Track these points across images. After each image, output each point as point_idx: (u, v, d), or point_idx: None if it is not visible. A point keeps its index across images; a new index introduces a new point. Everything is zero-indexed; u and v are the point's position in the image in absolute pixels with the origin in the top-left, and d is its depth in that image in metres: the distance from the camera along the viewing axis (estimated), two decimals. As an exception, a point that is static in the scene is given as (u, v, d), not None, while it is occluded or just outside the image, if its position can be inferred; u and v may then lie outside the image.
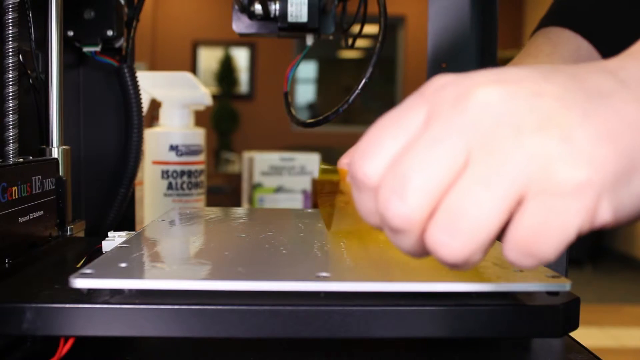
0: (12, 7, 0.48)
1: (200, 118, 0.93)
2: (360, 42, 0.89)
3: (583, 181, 0.22)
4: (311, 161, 1.06)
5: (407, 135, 0.25)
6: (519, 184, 0.23)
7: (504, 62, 0.58)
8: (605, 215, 0.23)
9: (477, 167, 0.23)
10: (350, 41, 0.66)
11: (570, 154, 0.23)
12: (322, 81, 6.50)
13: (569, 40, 0.58)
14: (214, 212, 0.58)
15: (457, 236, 0.23)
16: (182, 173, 0.79)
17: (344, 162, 0.57)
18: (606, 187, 0.23)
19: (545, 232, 0.23)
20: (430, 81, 0.26)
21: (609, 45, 0.56)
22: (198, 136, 0.81)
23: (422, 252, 0.25)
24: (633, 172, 0.23)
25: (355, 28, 0.64)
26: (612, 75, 0.25)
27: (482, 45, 0.72)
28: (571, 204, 0.22)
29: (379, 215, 0.25)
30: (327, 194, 0.59)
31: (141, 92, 0.67)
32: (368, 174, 0.25)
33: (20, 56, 0.51)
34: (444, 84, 0.25)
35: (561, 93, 0.24)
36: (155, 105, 0.87)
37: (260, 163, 1.04)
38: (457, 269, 0.24)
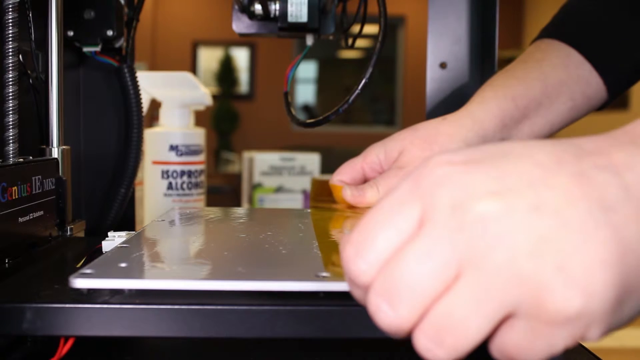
0: (12, 7, 0.48)
1: (200, 118, 0.93)
2: (360, 42, 0.90)
3: (574, 313, 0.22)
4: (311, 161, 1.06)
5: (401, 235, 0.25)
6: (507, 306, 0.23)
7: (504, 62, 0.58)
8: (593, 338, 0.24)
9: (468, 285, 0.23)
10: (350, 41, 0.66)
11: (563, 283, 0.22)
12: (322, 81, 6.51)
13: (559, 48, 0.59)
14: (214, 212, 0.58)
15: (443, 347, 0.24)
16: (182, 173, 0.79)
17: (336, 179, 0.58)
18: (599, 314, 0.23)
19: (531, 350, 0.23)
20: (426, 167, 0.26)
21: (597, 55, 0.57)
22: (198, 136, 0.81)
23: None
24: (626, 297, 0.23)
25: (355, 28, 0.64)
26: (618, 178, 0.24)
27: (482, 45, 0.72)
28: (559, 332, 0.23)
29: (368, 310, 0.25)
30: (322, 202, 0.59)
31: (141, 92, 0.67)
32: (361, 273, 0.25)
33: (20, 56, 0.51)
34: (440, 181, 0.25)
35: (561, 206, 0.23)
36: (155, 105, 0.87)
37: (260, 163, 1.04)
38: None
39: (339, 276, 0.34)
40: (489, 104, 0.55)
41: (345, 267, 0.26)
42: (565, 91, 0.57)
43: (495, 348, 0.24)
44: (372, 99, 6.31)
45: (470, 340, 0.23)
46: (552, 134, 0.59)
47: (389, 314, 0.24)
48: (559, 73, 0.57)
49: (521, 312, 0.23)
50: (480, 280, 0.23)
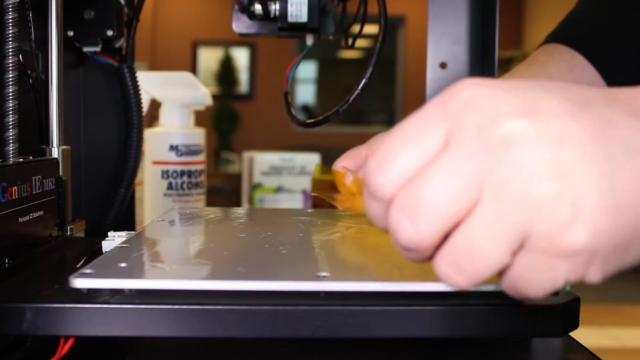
0: (12, 7, 0.48)
1: (200, 118, 0.93)
2: (360, 42, 0.90)
3: (579, 247, 0.23)
4: (311, 161, 1.06)
5: (425, 153, 0.25)
6: (521, 233, 0.23)
7: (504, 62, 0.58)
8: (593, 278, 0.24)
9: (488, 210, 0.23)
10: (350, 41, 0.66)
11: (574, 218, 0.23)
12: (322, 81, 6.50)
13: (564, 51, 0.59)
14: (214, 212, 0.58)
15: (462, 274, 0.24)
16: (182, 173, 0.79)
17: (339, 165, 0.57)
18: (601, 257, 0.23)
19: (534, 281, 0.24)
20: (454, 89, 0.26)
21: (602, 59, 0.58)
22: (198, 136, 0.81)
23: (427, 261, 0.26)
24: (632, 244, 0.24)
25: (355, 28, 0.64)
26: None
27: (482, 45, 0.72)
28: (563, 264, 0.24)
29: (387, 225, 0.26)
30: (325, 191, 0.59)
31: (141, 92, 0.67)
32: (382, 186, 0.25)
33: (20, 56, 0.51)
34: (469, 101, 0.25)
35: (585, 143, 0.23)
36: (155, 105, 0.87)
37: (260, 163, 1.04)
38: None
39: (338, 276, 0.34)
40: None
41: (366, 179, 0.26)
42: None
43: (505, 280, 0.25)
44: (372, 99, 6.30)
45: (488, 267, 0.24)
46: None
47: (410, 229, 0.24)
48: (564, 76, 0.57)
49: (532, 241, 0.23)
50: (499, 205, 0.23)
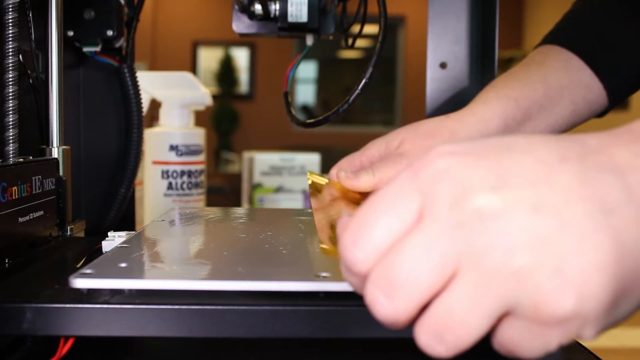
0: (12, 7, 0.48)
1: (200, 118, 0.93)
2: (360, 42, 0.90)
3: (567, 314, 0.23)
4: (311, 161, 1.06)
5: (400, 225, 0.25)
6: (504, 304, 0.23)
7: (504, 62, 0.58)
8: (588, 337, 0.24)
9: (467, 282, 0.23)
10: (350, 41, 0.66)
11: (559, 285, 0.22)
12: (322, 81, 6.50)
13: (561, 53, 0.59)
14: (214, 212, 0.58)
15: (443, 343, 0.24)
16: (182, 173, 0.79)
17: (334, 172, 0.58)
18: (594, 316, 0.23)
19: (527, 347, 0.24)
20: (427, 158, 0.26)
21: (598, 60, 0.58)
22: (198, 136, 0.81)
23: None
24: (622, 298, 0.23)
25: (355, 28, 0.64)
26: (621, 180, 0.24)
27: (482, 45, 0.72)
28: (554, 330, 0.23)
29: (365, 298, 0.26)
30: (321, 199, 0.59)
31: (141, 92, 0.67)
32: (358, 262, 0.25)
33: (20, 56, 0.51)
34: (441, 172, 0.25)
35: (560, 207, 0.23)
36: (155, 105, 0.87)
37: (260, 163, 1.04)
38: None
39: (338, 276, 0.34)
40: (492, 104, 0.56)
41: (342, 254, 0.26)
42: (566, 95, 0.57)
43: (495, 341, 0.25)
44: (372, 99, 6.31)
45: (470, 336, 0.24)
46: None
47: (386, 305, 0.24)
48: (560, 76, 0.57)
49: (518, 311, 0.23)
50: (479, 278, 0.23)
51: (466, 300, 0.23)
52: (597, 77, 0.58)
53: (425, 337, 0.24)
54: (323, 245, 0.34)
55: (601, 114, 0.61)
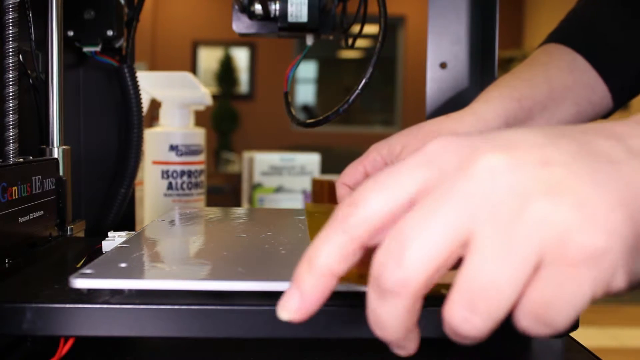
0: (12, 7, 0.48)
1: (200, 118, 0.93)
2: (360, 42, 0.90)
3: (599, 249, 0.22)
4: (311, 161, 1.06)
5: (409, 192, 0.24)
6: (533, 255, 0.22)
7: (504, 62, 0.58)
8: (620, 283, 0.22)
9: (488, 241, 0.22)
10: (350, 41, 0.66)
11: (584, 219, 0.22)
12: (322, 81, 6.50)
13: (565, 53, 0.59)
14: (214, 212, 0.58)
15: (478, 313, 0.22)
16: (182, 173, 0.79)
17: (340, 183, 0.57)
18: (622, 254, 0.22)
19: (559, 302, 0.22)
20: (430, 142, 0.25)
21: (603, 62, 0.57)
22: (198, 136, 0.81)
23: (405, 325, 0.24)
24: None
25: (355, 28, 0.64)
26: (621, 143, 0.24)
27: (482, 45, 0.72)
28: (586, 273, 0.22)
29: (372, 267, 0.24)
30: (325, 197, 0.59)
31: (141, 92, 0.67)
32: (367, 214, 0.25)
33: (20, 56, 0.51)
34: (446, 145, 0.25)
35: (568, 161, 0.23)
36: (155, 105, 0.87)
37: (260, 163, 1.04)
38: (472, 342, 0.24)
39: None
40: (493, 104, 0.55)
41: (348, 207, 0.25)
42: (570, 96, 0.57)
43: (522, 311, 0.23)
44: (372, 99, 6.31)
45: (504, 301, 0.22)
46: None
47: (396, 271, 0.23)
48: (564, 77, 0.57)
49: (546, 259, 0.22)
50: (500, 234, 0.22)
51: (491, 260, 0.22)
52: (601, 79, 0.58)
53: (458, 310, 0.22)
54: None
55: (605, 115, 0.60)
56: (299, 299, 0.26)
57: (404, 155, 0.55)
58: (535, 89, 0.56)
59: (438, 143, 0.25)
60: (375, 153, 0.57)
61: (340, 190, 0.57)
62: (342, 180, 0.58)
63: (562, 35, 0.60)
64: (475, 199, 0.23)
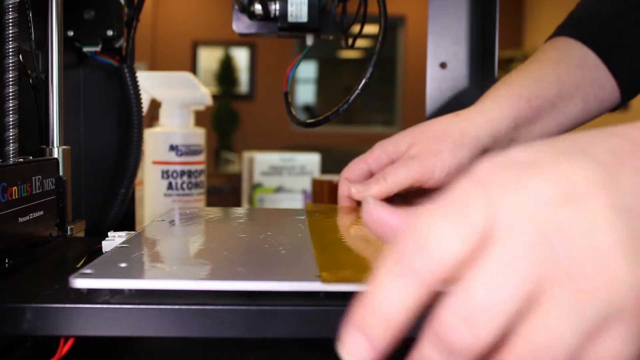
0: (12, 7, 0.48)
1: (200, 118, 0.93)
2: (360, 42, 0.90)
3: None
4: (311, 161, 1.06)
5: (478, 230, 0.22)
6: (603, 314, 0.21)
7: (504, 62, 0.58)
8: None
9: (559, 299, 0.21)
10: (350, 41, 0.66)
11: None
12: (322, 81, 6.51)
13: (576, 48, 0.57)
14: (214, 212, 0.58)
15: None
16: (182, 173, 0.79)
17: (343, 178, 0.57)
18: None
19: (629, 354, 0.22)
20: (483, 170, 0.23)
21: (614, 58, 0.57)
22: (198, 136, 0.81)
23: None
24: None
25: (355, 28, 0.64)
26: None
27: (482, 45, 0.72)
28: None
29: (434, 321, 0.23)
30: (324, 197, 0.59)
31: (141, 92, 0.67)
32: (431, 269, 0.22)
33: (20, 56, 0.51)
34: (505, 186, 0.23)
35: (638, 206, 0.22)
36: (155, 105, 0.87)
37: (260, 163, 1.04)
38: None
39: (337, 277, 0.34)
40: (501, 103, 0.55)
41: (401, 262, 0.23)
42: (578, 93, 0.56)
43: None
44: (372, 99, 6.31)
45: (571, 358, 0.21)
46: (558, 134, 0.58)
47: (467, 335, 0.22)
48: (574, 74, 0.56)
49: (617, 317, 0.22)
50: (572, 292, 0.21)
51: (561, 319, 0.21)
52: (611, 75, 0.57)
53: None
54: (323, 274, 0.34)
55: (611, 110, 0.60)
56: (369, 349, 0.24)
57: (411, 152, 0.54)
58: (544, 87, 0.55)
59: (492, 180, 0.23)
60: (380, 150, 0.56)
61: (343, 186, 0.57)
62: (345, 175, 0.57)
63: (572, 29, 0.59)
64: (548, 259, 0.22)
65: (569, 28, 0.59)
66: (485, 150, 0.54)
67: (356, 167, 0.57)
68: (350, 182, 0.55)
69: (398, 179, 0.51)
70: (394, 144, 0.56)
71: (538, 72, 0.57)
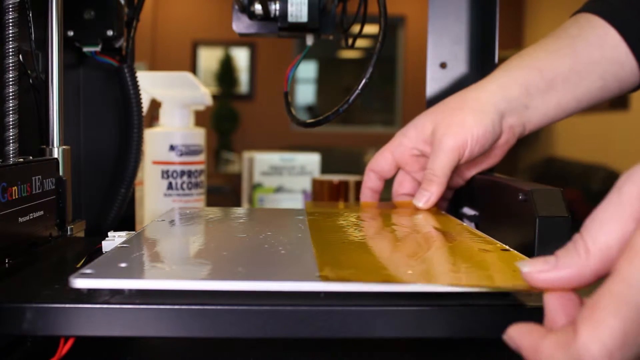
0: (12, 7, 0.48)
1: (200, 118, 0.93)
2: (360, 42, 0.90)
3: None
4: (311, 161, 1.06)
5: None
6: None
7: (504, 62, 0.58)
8: None
9: None
10: (350, 41, 0.66)
11: None
12: (322, 81, 6.50)
13: (597, 25, 0.57)
14: (214, 212, 0.58)
15: None
16: (182, 173, 0.79)
17: (369, 170, 0.57)
18: None
19: None
20: (627, 184, 0.24)
21: (635, 36, 0.56)
22: (198, 136, 0.81)
23: None
24: None
25: (355, 28, 0.64)
26: None
27: (482, 45, 0.72)
28: None
29: None
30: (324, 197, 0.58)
31: (141, 92, 0.67)
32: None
33: (20, 56, 0.51)
34: None
35: None
36: (155, 105, 0.87)
37: (260, 163, 1.04)
38: None
39: (338, 277, 0.34)
40: (513, 72, 0.57)
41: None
42: (596, 70, 0.56)
43: None
44: (372, 99, 6.31)
45: None
46: (578, 110, 0.59)
47: None
48: (592, 51, 0.56)
49: None
50: None
51: None
52: (632, 55, 0.57)
53: None
54: (323, 273, 0.34)
55: (631, 90, 0.60)
56: None
57: (439, 136, 0.56)
58: (558, 60, 0.56)
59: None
60: (402, 137, 0.58)
61: (368, 179, 0.58)
62: (371, 167, 0.59)
63: (597, 7, 0.58)
64: None
65: (594, 6, 0.59)
66: (502, 115, 0.56)
67: (381, 158, 0.58)
68: (375, 173, 0.57)
69: (445, 166, 0.54)
70: (415, 128, 0.58)
71: (554, 46, 0.57)
